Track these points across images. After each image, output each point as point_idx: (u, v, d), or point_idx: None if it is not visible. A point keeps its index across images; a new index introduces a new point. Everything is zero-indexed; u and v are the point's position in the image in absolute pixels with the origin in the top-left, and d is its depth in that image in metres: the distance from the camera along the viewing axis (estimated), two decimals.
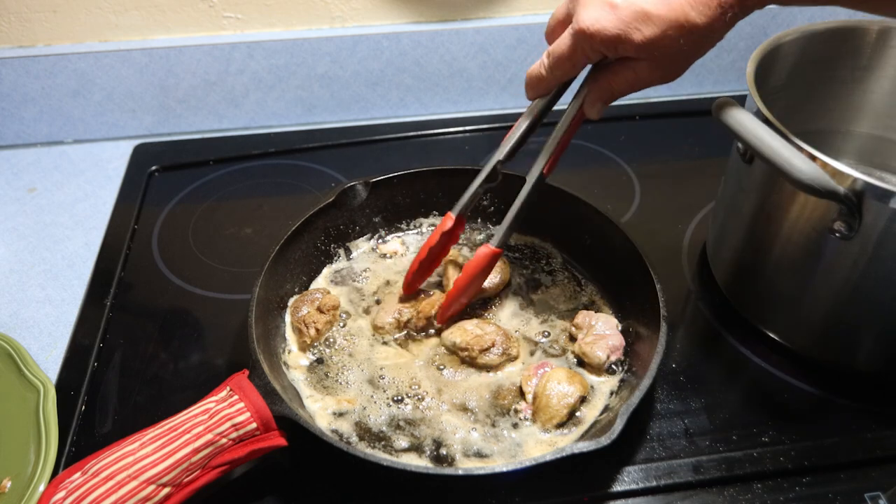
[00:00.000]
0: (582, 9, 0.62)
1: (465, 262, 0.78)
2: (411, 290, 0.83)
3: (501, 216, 0.94)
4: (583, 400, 0.74)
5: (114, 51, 1.09)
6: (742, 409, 0.76)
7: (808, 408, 0.76)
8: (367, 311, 0.85)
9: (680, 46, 0.61)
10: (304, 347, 0.79)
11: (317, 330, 0.79)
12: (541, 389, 0.73)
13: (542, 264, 0.91)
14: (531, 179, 0.76)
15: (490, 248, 0.77)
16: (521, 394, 0.75)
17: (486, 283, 0.85)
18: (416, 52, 1.15)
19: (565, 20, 0.66)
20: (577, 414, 0.73)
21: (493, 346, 0.77)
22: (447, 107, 1.23)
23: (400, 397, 0.75)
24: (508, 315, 0.84)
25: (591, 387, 0.76)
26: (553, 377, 0.73)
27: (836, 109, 0.91)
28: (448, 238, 0.80)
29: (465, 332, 0.79)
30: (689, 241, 0.96)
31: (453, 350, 0.79)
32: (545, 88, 0.72)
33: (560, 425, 0.72)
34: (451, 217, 0.79)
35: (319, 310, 0.80)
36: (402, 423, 0.73)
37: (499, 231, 0.77)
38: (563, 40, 0.65)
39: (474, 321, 0.81)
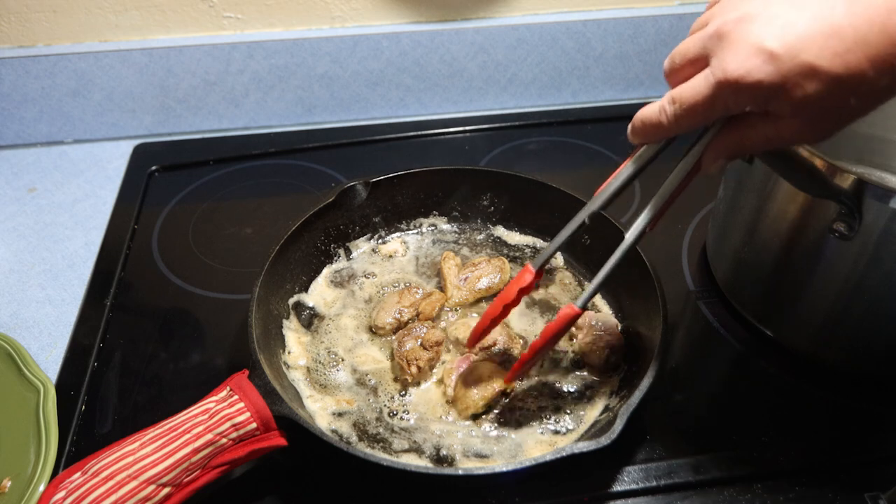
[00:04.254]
0: (728, 53, 0.51)
1: (546, 324, 0.68)
2: (475, 344, 0.76)
3: (501, 216, 0.95)
4: (504, 395, 0.74)
5: (114, 51, 1.09)
6: (742, 409, 0.76)
7: (809, 408, 0.76)
8: (367, 313, 0.85)
9: (848, 106, 0.51)
10: (405, 385, 0.76)
11: (418, 368, 0.75)
12: (461, 380, 0.73)
13: None
14: (630, 238, 0.65)
15: (574, 308, 0.66)
16: (443, 385, 0.76)
17: (487, 283, 0.85)
18: (416, 52, 1.15)
19: (696, 59, 0.55)
20: (581, 413, 0.73)
21: (495, 344, 0.77)
22: (447, 107, 1.23)
23: (398, 398, 0.75)
24: (517, 314, 0.84)
25: (592, 387, 0.76)
26: (475, 370, 0.74)
27: None
28: (524, 292, 0.71)
29: (469, 328, 0.79)
30: (689, 241, 0.96)
31: (456, 344, 0.79)
32: (661, 137, 0.60)
33: (476, 416, 0.72)
34: (530, 271, 0.70)
35: (423, 346, 0.76)
36: (401, 424, 0.73)
37: (585, 292, 0.67)
38: (698, 87, 0.53)
39: (478, 319, 0.81)
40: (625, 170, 0.64)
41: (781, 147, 0.55)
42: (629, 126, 0.60)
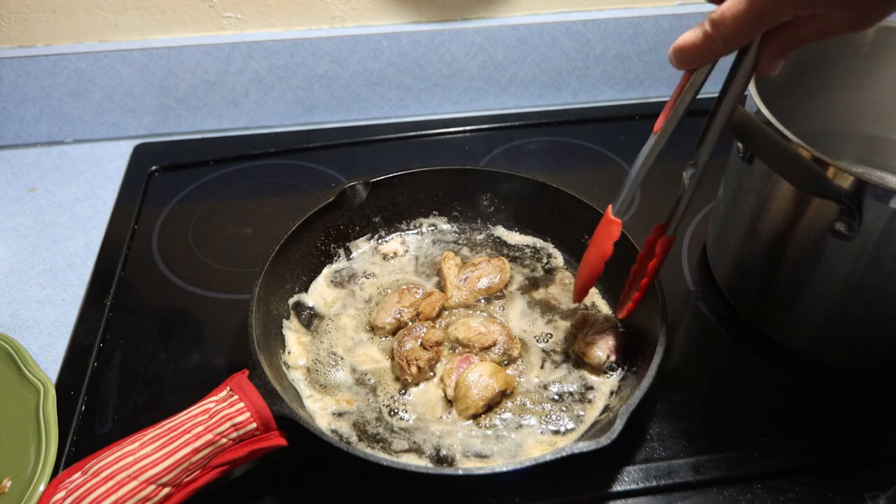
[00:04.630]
0: None
1: (650, 263, 0.71)
2: (582, 299, 0.79)
3: (501, 216, 0.95)
4: (504, 395, 0.74)
5: (114, 51, 1.09)
6: (742, 409, 0.76)
7: (809, 408, 0.76)
8: (367, 312, 0.85)
9: None
10: (405, 385, 0.76)
11: (419, 368, 0.75)
12: (462, 379, 0.73)
13: (542, 264, 0.91)
14: (704, 158, 0.66)
15: (668, 237, 0.71)
16: (443, 385, 0.76)
17: (487, 283, 0.85)
18: (416, 52, 1.15)
19: None
20: (580, 413, 0.73)
21: (495, 344, 0.77)
22: (447, 107, 1.23)
23: (398, 397, 0.75)
24: (518, 314, 0.84)
25: (592, 387, 0.76)
26: (476, 369, 0.74)
27: (836, 109, 0.91)
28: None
29: (469, 328, 0.79)
30: (689, 241, 0.96)
31: (455, 344, 0.79)
32: (708, 60, 0.59)
33: (476, 417, 0.72)
34: (617, 223, 0.71)
35: (423, 346, 0.76)
36: (401, 425, 0.73)
37: (674, 220, 0.70)
38: (740, 5, 0.53)
39: (480, 319, 0.82)
40: (683, 100, 0.64)
41: (832, 38, 0.56)
42: (671, 56, 0.60)
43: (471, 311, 0.84)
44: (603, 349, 0.76)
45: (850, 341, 0.75)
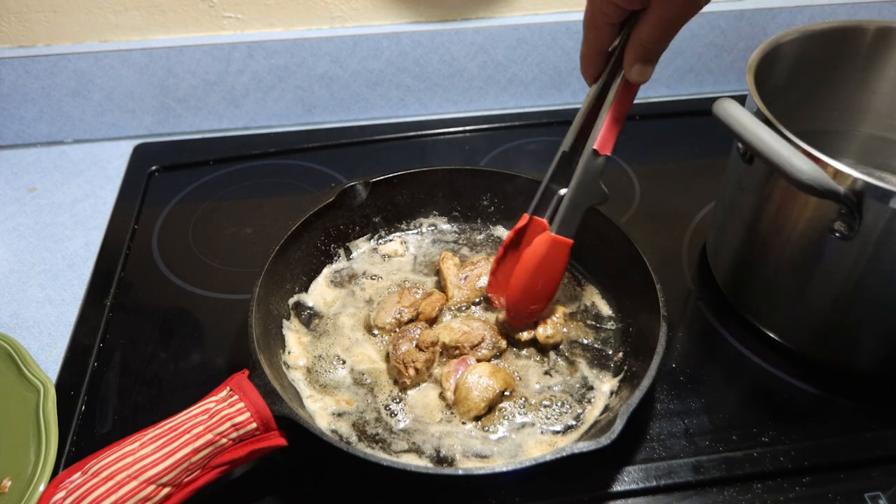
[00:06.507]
0: None
1: (525, 253, 0.76)
2: (495, 289, 0.82)
3: (501, 216, 0.95)
4: (504, 395, 0.74)
5: (114, 51, 1.09)
6: (742, 409, 0.76)
7: (808, 408, 0.76)
8: (366, 312, 0.85)
9: None
10: (404, 387, 0.76)
11: (416, 370, 0.74)
12: (461, 381, 0.73)
13: None
14: (583, 160, 0.72)
15: (551, 235, 0.74)
16: (442, 389, 0.75)
17: (487, 281, 0.85)
18: (416, 52, 1.15)
19: None
20: (580, 413, 0.73)
21: (483, 340, 0.77)
22: (447, 107, 1.23)
23: (398, 398, 0.75)
24: None
25: (592, 387, 0.76)
26: (475, 370, 0.74)
27: (836, 109, 0.91)
28: (522, 236, 0.79)
29: (452, 330, 0.79)
30: (689, 241, 0.96)
31: (445, 349, 0.79)
32: (592, 63, 0.69)
33: (478, 418, 0.72)
34: (525, 218, 0.78)
35: (419, 347, 0.76)
36: (400, 425, 0.73)
37: (557, 217, 0.74)
38: (587, 8, 0.65)
39: (459, 319, 0.82)
40: (583, 108, 0.72)
41: (677, 29, 0.64)
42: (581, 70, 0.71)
43: (463, 314, 0.84)
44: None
45: (850, 341, 0.75)
